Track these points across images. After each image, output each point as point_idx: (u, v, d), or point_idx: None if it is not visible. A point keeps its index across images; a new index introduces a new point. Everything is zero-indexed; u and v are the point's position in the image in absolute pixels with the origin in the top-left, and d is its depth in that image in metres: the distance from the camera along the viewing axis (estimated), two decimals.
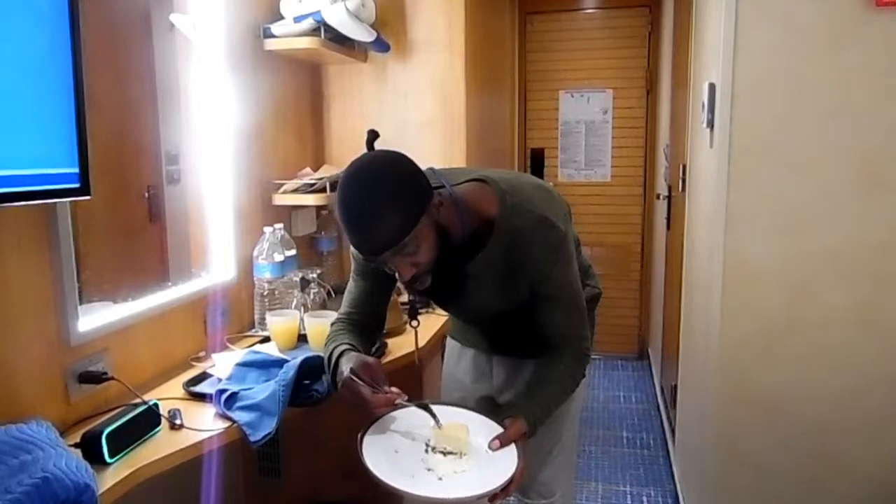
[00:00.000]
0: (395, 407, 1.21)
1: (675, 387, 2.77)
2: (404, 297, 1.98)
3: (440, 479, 1.13)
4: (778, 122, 1.80)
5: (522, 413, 1.26)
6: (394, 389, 1.22)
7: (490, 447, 1.20)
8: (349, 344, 1.33)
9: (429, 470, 1.15)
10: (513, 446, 1.21)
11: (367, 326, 1.44)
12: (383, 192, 1.13)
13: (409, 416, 1.25)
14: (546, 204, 1.29)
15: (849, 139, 1.77)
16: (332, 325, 1.43)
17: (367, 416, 1.23)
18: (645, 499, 2.65)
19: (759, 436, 1.94)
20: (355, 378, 1.20)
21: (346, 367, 1.24)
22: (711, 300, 1.93)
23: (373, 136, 1.25)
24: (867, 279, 1.81)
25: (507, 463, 1.17)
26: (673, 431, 2.87)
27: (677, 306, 2.68)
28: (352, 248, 1.40)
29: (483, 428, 1.24)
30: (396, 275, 1.18)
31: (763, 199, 1.84)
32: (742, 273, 1.89)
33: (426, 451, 1.19)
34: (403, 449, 1.19)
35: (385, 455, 1.16)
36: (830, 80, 1.76)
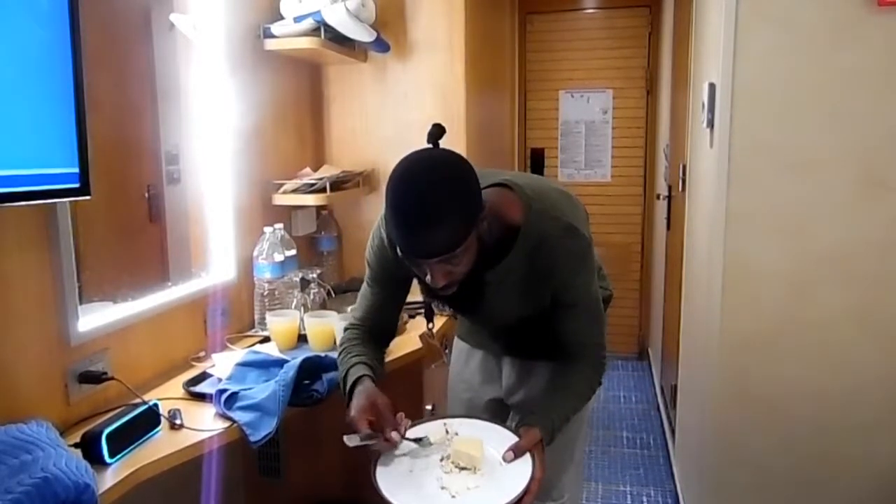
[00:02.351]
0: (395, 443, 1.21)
1: (675, 387, 2.77)
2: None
3: (453, 496, 1.12)
4: (778, 122, 1.80)
5: (538, 422, 1.24)
6: (393, 435, 1.18)
7: (504, 459, 1.18)
8: (364, 363, 1.30)
9: (442, 488, 1.14)
10: (527, 456, 1.19)
11: (381, 333, 1.43)
12: (452, 196, 1.07)
13: (424, 434, 1.24)
14: (570, 211, 1.27)
15: (849, 139, 1.77)
16: (346, 330, 1.42)
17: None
18: (645, 499, 2.65)
19: (759, 436, 1.94)
20: (358, 423, 1.19)
21: (356, 402, 1.23)
22: (711, 300, 1.93)
23: (439, 131, 1.17)
24: (867, 279, 1.81)
25: (521, 474, 1.15)
26: (673, 431, 2.87)
27: (677, 306, 2.68)
28: (367, 254, 1.37)
29: (499, 439, 1.23)
30: (427, 279, 1.13)
31: (763, 199, 1.84)
32: (742, 273, 1.89)
33: (441, 468, 1.18)
34: (418, 468, 1.18)
35: (399, 476, 1.16)
36: (831, 80, 1.76)
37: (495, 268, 1.25)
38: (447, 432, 1.26)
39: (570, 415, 1.30)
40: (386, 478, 1.14)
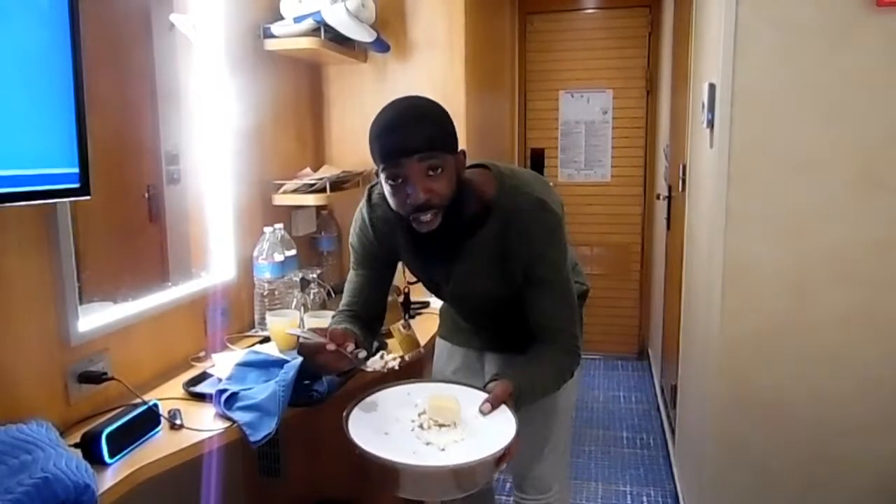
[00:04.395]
0: (333, 354, 1.21)
1: (675, 387, 2.77)
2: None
3: (443, 450, 1.12)
4: (778, 122, 1.80)
5: (507, 376, 1.26)
6: (328, 343, 1.21)
7: (481, 411, 1.20)
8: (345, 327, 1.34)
9: (428, 444, 1.14)
10: (504, 408, 1.20)
11: (368, 316, 1.45)
12: (435, 105, 1.22)
13: (388, 399, 1.26)
14: (544, 190, 1.32)
15: (849, 139, 1.77)
16: (333, 317, 1.44)
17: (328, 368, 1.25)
18: (645, 499, 2.65)
19: (759, 436, 1.94)
20: (304, 336, 1.25)
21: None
22: (711, 300, 1.93)
23: None
24: (867, 279, 1.81)
25: (502, 424, 1.16)
26: (673, 431, 2.87)
27: (677, 306, 2.68)
28: (351, 238, 1.42)
29: (468, 397, 1.24)
30: (409, 199, 1.18)
31: (763, 199, 1.84)
32: (742, 273, 1.89)
33: (419, 427, 1.18)
34: (393, 430, 1.18)
35: (377, 438, 1.14)
36: (830, 80, 1.76)
37: (470, 240, 1.30)
38: (382, 358, 1.26)
39: (537, 387, 1.30)
40: (366, 444, 1.11)
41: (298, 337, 1.26)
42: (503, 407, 1.20)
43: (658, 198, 3.71)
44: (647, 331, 4.17)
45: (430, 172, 1.17)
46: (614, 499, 2.66)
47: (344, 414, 1.19)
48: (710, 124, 1.98)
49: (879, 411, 1.86)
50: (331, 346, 1.21)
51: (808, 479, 1.93)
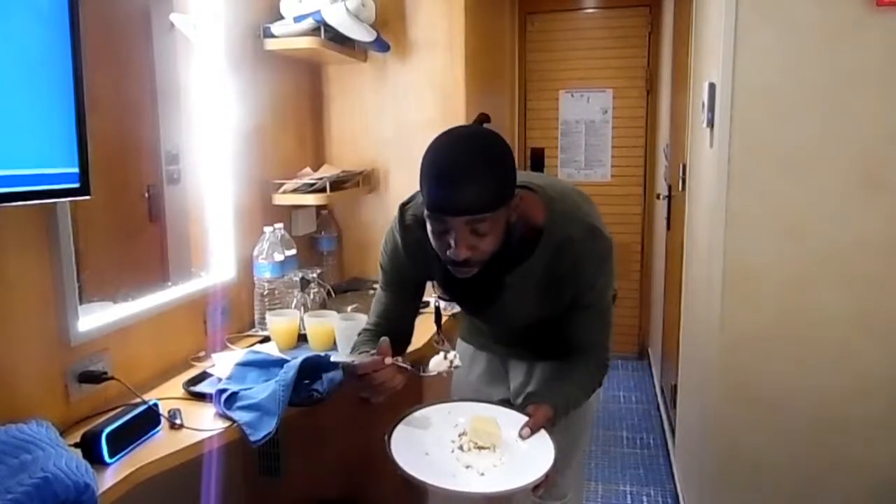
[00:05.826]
0: (391, 369, 1.17)
1: (675, 387, 2.77)
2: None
3: (482, 474, 1.12)
4: (778, 122, 1.81)
5: (546, 400, 1.24)
6: (387, 360, 1.16)
7: (521, 435, 1.19)
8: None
9: (467, 467, 1.14)
10: (543, 432, 1.20)
11: (395, 337, 1.38)
12: (490, 160, 1.10)
13: (429, 417, 1.24)
14: (591, 211, 1.28)
15: (848, 139, 1.77)
16: (359, 334, 1.41)
17: (371, 397, 1.19)
18: (645, 499, 2.65)
19: (759, 435, 1.94)
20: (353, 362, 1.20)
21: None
22: (711, 300, 1.93)
23: (484, 118, 1.21)
24: (867, 279, 1.81)
25: (539, 449, 1.16)
26: (673, 431, 2.87)
27: (677, 306, 2.68)
28: (381, 258, 1.37)
29: (507, 419, 1.23)
30: (450, 251, 1.12)
31: (763, 198, 1.84)
32: (742, 273, 1.89)
33: (459, 448, 1.18)
34: (433, 451, 1.18)
35: (418, 460, 1.14)
36: (830, 80, 1.76)
37: (517, 269, 1.25)
38: (445, 357, 1.22)
39: (571, 405, 1.30)
40: (407, 464, 1.11)
41: (341, 364, 1.20)
42: (542, 431, 1.20)
43: (658, 197, 3.71)
44: (647, 331, 4.17)
45: (478, 230, 1.10)
46: (614, 499, 2.66)
47: (385, 437, 1.18)
48: (710, 124, 1.98)
49: (878, 410, 1.86)
50: (388, 360, 1.14)
51: (807, 478, 1.93)
